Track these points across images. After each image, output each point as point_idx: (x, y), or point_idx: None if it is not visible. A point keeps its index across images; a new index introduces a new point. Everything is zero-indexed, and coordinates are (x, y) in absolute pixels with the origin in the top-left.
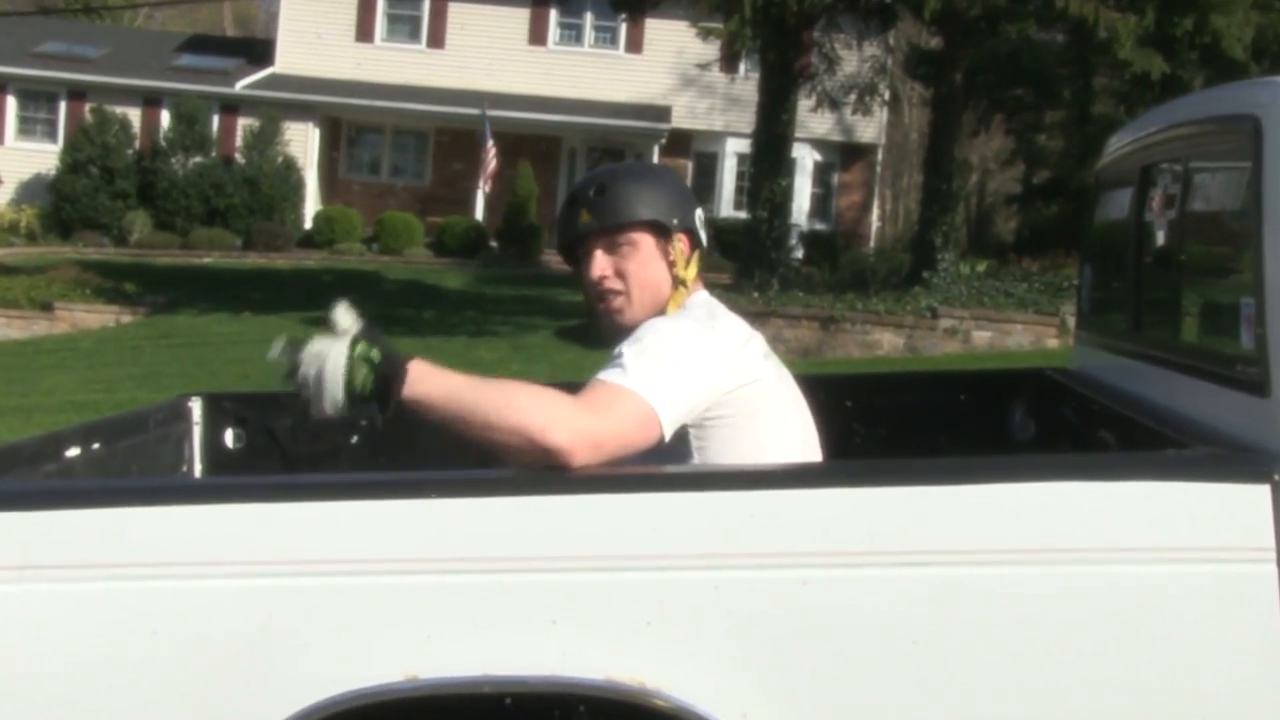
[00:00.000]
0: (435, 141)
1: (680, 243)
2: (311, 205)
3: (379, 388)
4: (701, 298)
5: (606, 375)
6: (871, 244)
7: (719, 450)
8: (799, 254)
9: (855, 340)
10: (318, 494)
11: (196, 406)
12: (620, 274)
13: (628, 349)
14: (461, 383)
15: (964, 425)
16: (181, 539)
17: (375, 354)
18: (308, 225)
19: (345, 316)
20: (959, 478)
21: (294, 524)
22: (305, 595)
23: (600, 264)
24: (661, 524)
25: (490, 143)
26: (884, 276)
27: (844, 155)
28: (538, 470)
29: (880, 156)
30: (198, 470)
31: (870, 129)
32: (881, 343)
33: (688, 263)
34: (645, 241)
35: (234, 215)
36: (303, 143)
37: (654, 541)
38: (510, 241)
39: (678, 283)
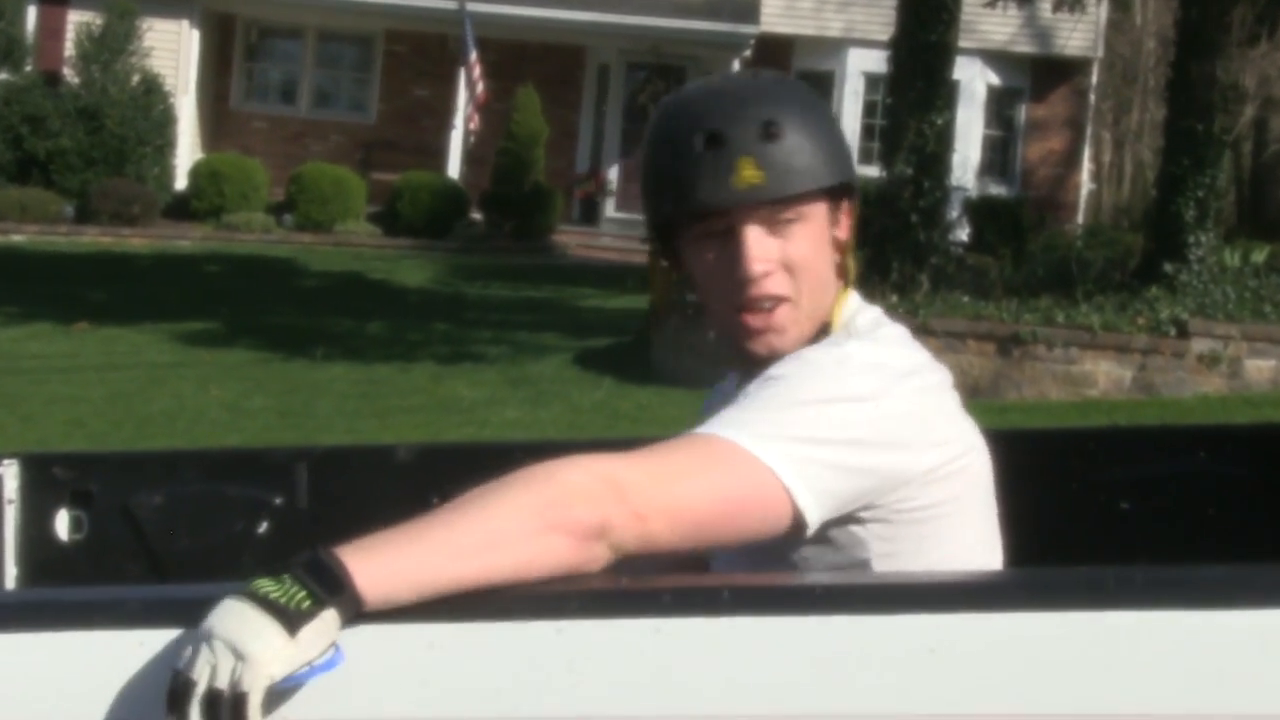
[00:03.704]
0: (386, 53)
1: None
2: (188, 152)
3: (322, 589)
4: (873, 314)
5: (704, 426)
6: (1080, 218)
7: (914, 557)
8: (963, 234)
9: (1053, 372)
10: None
11: (9, 474)
12: (789, 269)
13: (756, 393)
14: (429, 524)
15: (1238, 512)
16: None
17: (282, 576)
18: (181, 184)
19: None
20: (1239, 596)
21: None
22: None
23: (764, 251)
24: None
25: (474, 55)
26: (1100, 271)
27: (1037, 77)
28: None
29: (1095, 79)
30: (10, 575)
31: (1080, 35)
32: (1096, 376)
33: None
34: (819, 216)
35: (62, 167)
36: (173, 52)
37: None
38: (503, 212)
39: (844, 279)
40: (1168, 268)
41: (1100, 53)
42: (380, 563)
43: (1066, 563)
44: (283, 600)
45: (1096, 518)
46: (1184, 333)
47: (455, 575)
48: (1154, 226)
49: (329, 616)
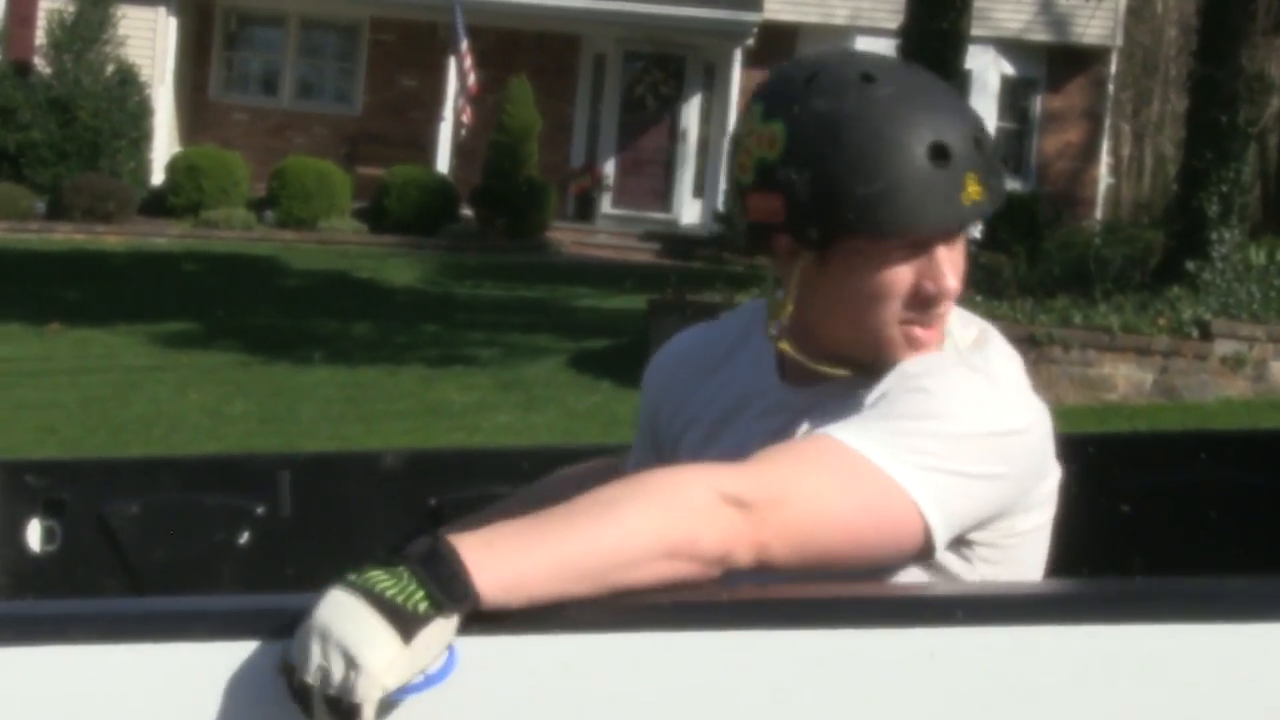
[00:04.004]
0: (372, 41)
1: None
2: (165, 146)
3: (442, 592)
4: (960, 313)
5: (838, 429)
6: (1098, 213)
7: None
8: (976, 231)
9: (1070, 375)
10: (205, 627)
11: None
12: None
13: (898, 405)
14: (552, 533)
15: (1264, 522)
16: None
17: (399, 569)
18: (157, 179)
19: None
20: (1261, 609)
21: (157, 685)
22: None
23: (956, 268)
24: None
25: (464, 44)
26: (1119, 269)
27: (1054, 66)
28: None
29: (1114, 68)
30: None
31: (1098, 23)
32: (1115, 380)
33: None
34: None
35: (33, 160)
36: (149, 41)
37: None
38: (495, 208)
39: None
40: (1190, 266)
41: (1119, 41)
42: (504, 567)
43: (1084, 575)
44: (399, 599)
45: (1115, 528)
46: (1207, 334)
47: (573, 590)
48: (1175, 223)
49: (447, 623)
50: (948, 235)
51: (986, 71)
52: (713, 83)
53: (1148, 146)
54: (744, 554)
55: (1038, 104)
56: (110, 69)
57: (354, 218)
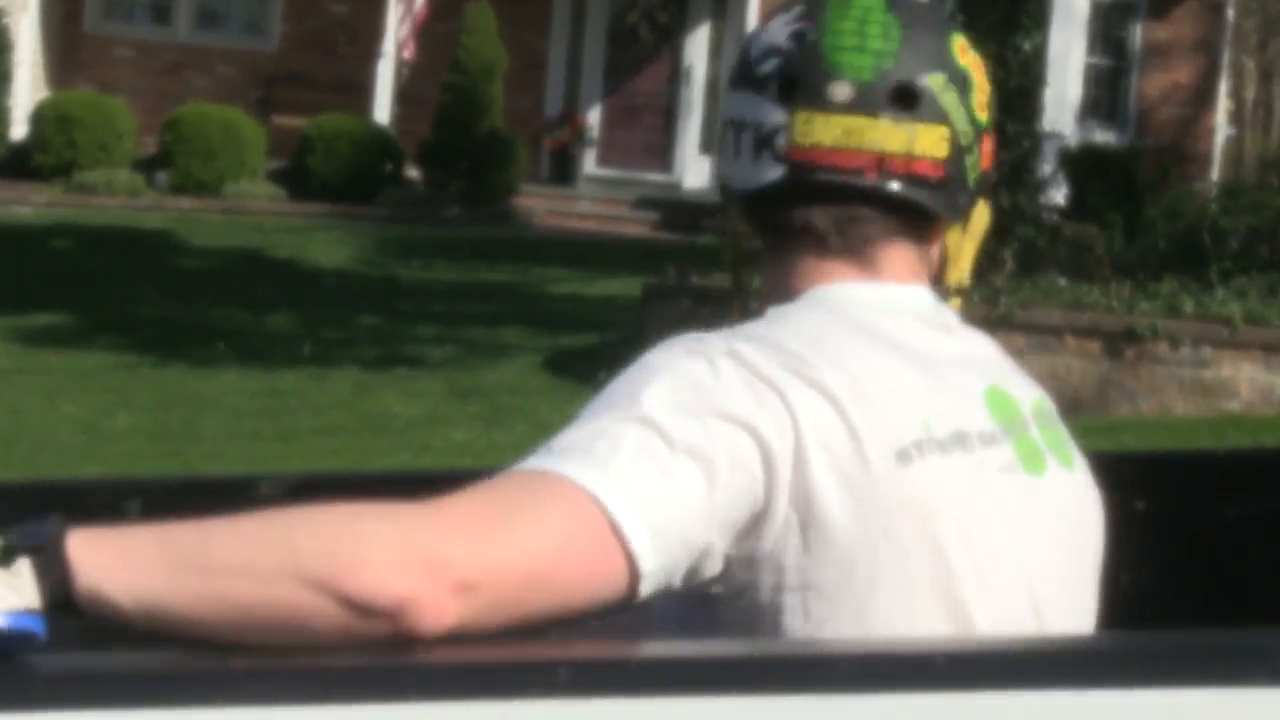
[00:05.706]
0: None
1: None
2: (28, 90)
3: (21, 539)
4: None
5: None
6: (1215, 173)
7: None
8: (1060, 195)
9: (1180, 378)
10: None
11: None
12: None
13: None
14: (184, 528)
15: None
16: None
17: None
18: (19, 132)
19: None
20: None
21: None
22: None
23: None
24: None
25: None
26: (1242, 244)
27: None
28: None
29: None
30: None
31: None
32: (1237, 384)
33: None
34: None
35: None
36: None
37: None
38: (448, 168)
39: None
40: None
41: None
42: (106, 546)
43: (1195, 625)
44: None
45: (1236, 567)
46: None
47: (185, 595)
48: None
49: (19, 566)
50: None
51: None
52: (724, 9)
53: (1277, 88)
54: (429, 605)
55: (1138, 35)
56: None
57: (269, 180)
